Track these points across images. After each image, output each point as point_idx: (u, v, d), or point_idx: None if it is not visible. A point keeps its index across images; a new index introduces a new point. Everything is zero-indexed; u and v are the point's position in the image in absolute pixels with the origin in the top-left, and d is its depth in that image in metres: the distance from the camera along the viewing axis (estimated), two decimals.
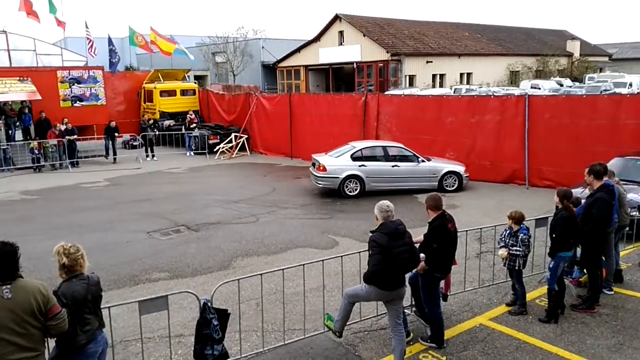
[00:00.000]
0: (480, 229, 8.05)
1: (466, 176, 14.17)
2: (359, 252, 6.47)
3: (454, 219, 6.00)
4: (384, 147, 14.19)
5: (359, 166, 13.58)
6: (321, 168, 13.68)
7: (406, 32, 40.64)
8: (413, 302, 6.60)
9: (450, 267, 6.12)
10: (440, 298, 6.30)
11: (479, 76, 41.64)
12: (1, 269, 3.81)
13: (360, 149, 13.96)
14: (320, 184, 13.86)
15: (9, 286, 3.77)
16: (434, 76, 39.28)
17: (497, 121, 14.68)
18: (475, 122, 15.10)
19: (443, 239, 5.76)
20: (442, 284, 6.36)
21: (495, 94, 20.97)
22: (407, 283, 6.10)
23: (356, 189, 13.59)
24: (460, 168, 14.18)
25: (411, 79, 37.44)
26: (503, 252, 6.74)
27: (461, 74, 41.40)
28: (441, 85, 38.69)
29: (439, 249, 5.74)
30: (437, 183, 13.84)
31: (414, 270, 6.02)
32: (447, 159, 15.36)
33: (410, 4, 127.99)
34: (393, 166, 13.72)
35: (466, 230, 7.52)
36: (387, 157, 13.90)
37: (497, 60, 43.99)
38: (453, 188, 13.95)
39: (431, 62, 38.42)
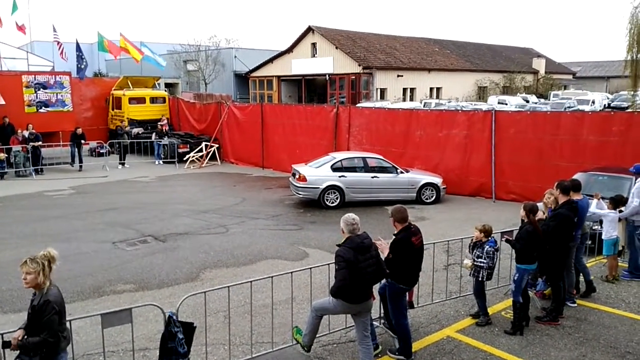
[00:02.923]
0: (448, 241, 8.16)
1: (444, 188, 14.36)
2: (328, 264, 6.45)
3: (421, 231, 6.07)
4: (364, 158, 14.34)
5: (339, 177, 13.66)
6: (301, 178, 13.69)
7: (378, 45, 41.22)
8: (382, 314, 6.62)
9: (416, 279, 6.16)
10: (407, 308, 6.34)
11: (448, 91, 42.51)
12: None
13: (341, 160, 14.07)
14: (300, 194, 13.88)
15: None
16: (404, 90, 39.89)
17: (465, 135, 14.98)
18: (444, 136, 15.37)
19: (405, 252, 5.79)
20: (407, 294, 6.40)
21: (463, 109, 21.42)
22: (376, 294, 6.14)
23: (336, 200, 13.65)
24: (437, 180, 14.37)
25: (382, 92, 37.93)
26: (467, 262, 6.89)
27: (431, 88, 42.19)
28: (412, 99, 39.32)
29: (400, 262, 5.76)
30: (415, 194, 14.01)
31: (383, 281, 6.06)
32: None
33: (381, 18, 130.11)
34: (372, 177, 13.83)
35: (434, 243, 7.61)
36: (366, 168, 14.02)
37: (465, 75, 45.03)
38: (431, 200, 14.14)
39: (402, 76, 39.03)
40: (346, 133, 17.48)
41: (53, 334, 4.11)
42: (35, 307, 4.10)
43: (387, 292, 6.04)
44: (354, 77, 37.16)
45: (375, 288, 5.96)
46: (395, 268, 5.77)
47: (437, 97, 41.01)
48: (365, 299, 5.39)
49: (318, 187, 13.54)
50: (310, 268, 6.59)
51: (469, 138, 14.89)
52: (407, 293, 6.31)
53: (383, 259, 5.66)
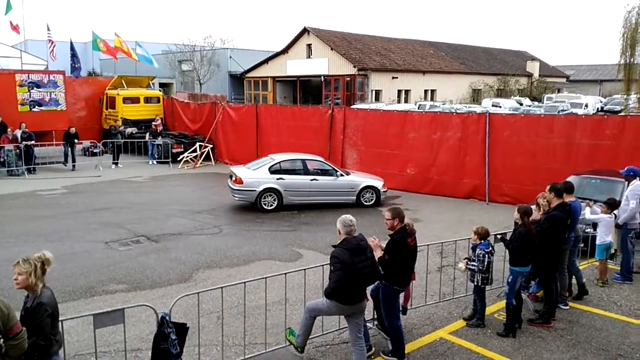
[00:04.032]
0: (442, 243, 8.17)
1: (384, 191, 14.15)
2: (322, 265, 6.45)
3: (416, 233, 6.07)
4: (304, 161, 13.98)
5: (277, 179, 13.31)
6: (237, 180, 13.26)
7: (373, 47, 41.30)
8: (375, 316, 6.63)
9: (409, 280, 6.18)
10: (400, 311, 6.34)
11: (442, 93, 42.65)
12: None
13: (279, 162, 13.71)
14: (236, 197, 13.47)
15: None
16: (399, 92, 39.98)
17: (459, 138, 15.01)
18: (438, 138, 15.40)
19: (401, 252, 5.79)
20: (401, 297, 6.41)
21: (457, 111, 21.50)
22: (369, 296, 6.14)
23: (273, 203, 13.30)
24: (378, 183, 14.15)
25: (377, 93, 37.99)
26: (462, 265, 6.92)
27: (425, 91, 42.30)
28: (406, 101, 39.41)
29: (395, 262, 5.76)
30: (355, 197, 13.80)
31: (376, 283, 6.06)
32: (408, 173, 15.63)
33: (376, 20, 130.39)
34: (312, 180, 13.51)
35: (428, 245, 7.62)
36: (306, 171, 13.68)
37: (460, 78, 45.20)
38: (370, 203, 13.90)
39: (397, 78, 39.12)
40: (341, 134, 17.49)
41: (45, 337, 4.04)
42: (28, 309, 4.04)
43: (380, 293, 6.04)
44: (349, 78, 37.20)
45: (368, 290, 5.97)
46: (389, 269, 5.77)
47: (432, 99, 41.12)
48: (359, 300, 5.39)
49: (255, 190, 13.16)
50: (305, 269, 6.58)
51: (463, 140, 14.94)
52: (401, 297, 6.32)
53: (377, 258, 5.67)
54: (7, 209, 13.54)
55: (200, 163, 20.99)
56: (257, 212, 13.31)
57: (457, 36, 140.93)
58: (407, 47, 44.91)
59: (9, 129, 18.71)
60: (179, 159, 20.80)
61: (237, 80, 45.05)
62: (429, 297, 7.56)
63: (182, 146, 21.46)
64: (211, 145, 21.57)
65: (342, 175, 13.89)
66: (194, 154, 21.17)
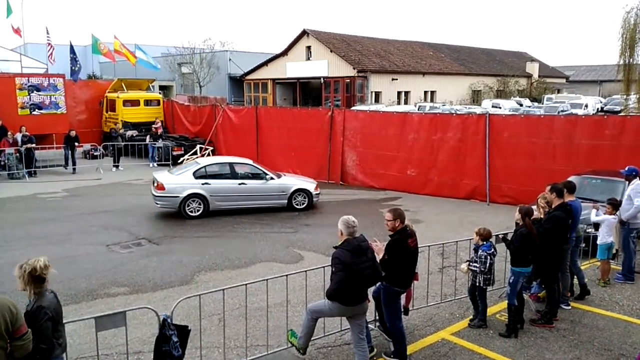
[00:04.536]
0: (443, 244, 8.17)
1: (317, 193, 13.88)
2: (324, 267, 6.45)
3: (416, 234, 6.08)
4: (231, 164, 13.65)
5: (202, 184, 12.83)
6: (159, 187, 12.64)
7: (372, 49, 41.33)
8: (377, 317, 6.62)
9: (410, 281, 6.18)
10: (402, 312, 6.34)
11: (442, 94, 42.68)
12: None
13: (204, 166, 13.27)
14: (158, 204, 12.84)
15: None
16: (399, 93, 40.00)
17: (459, 139, 15.02)
18: (438, 139, 15.41)
19: (401, 253, 5.79)
20: (403, 298, 6.41)
21: (457, 112, 21.52)
22: (370, 297, 6.14)
23: (199, 209, 12.81)
24: (310, 185, 13.91)
25: (377, 95, 38.01)
26: (464, 266, 6.92)
27: (425, 92, 42.33)
28: (406, 102, 39.45)
29: (395, 263, 5.76)
30: (286, 201, 13.55)
31: (377, 284, 6.06)
32: (409, 175, 15.63)
33: (376, 22, 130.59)
34: (240, 184, 13.19)
35: (429, 245, 7.62)
36: (233, 175, 13.34)
37: (460, 79, 45.23)
38: (303, 206, 13.66)
39: (396, 79, 39.15)
40: (341, 136, 17.51)
41: (46, 341, 4.03)
42: (28, 312, 4.04)
43: (381, 295, 6.04)
44: (348, 80, 37.23)
45: (370, 291, 5.96)
46: (390, 270, 5.77)
47: (432, 100, 41.15)
48: (361, 301, 5.39)
49: (178, 196, 12.62)
50: (306, 271, 6.58)
51: (463, 141, 14.95)
52: (403, 297, 6.32)
53: (378, 261, 5.66)
54: (8, 212, 13.55)
55: None
56: (260, 214, 13.30)
57: (457, 37, 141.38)
58: (406, 49, 44.95)
59: (9, 133, 18.74)
60: (179, 161, 20.77)
61: (237, 82, 45.09)
62: (431, 298, 7.55)
63: (183, 149, 21.47)
64: (211, 148, 21.59)
65: (272, 178, 13.54)
66: (195, 157, 21.16)
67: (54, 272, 4.25)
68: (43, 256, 4.29)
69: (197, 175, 13.02)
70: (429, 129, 15.61)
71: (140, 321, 6.84)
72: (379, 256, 5.70)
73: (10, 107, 20.29)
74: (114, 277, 8.72)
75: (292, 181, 14.05)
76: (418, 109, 30.87)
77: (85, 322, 5.92)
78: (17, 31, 29.56)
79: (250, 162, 14.14)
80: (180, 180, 12.93)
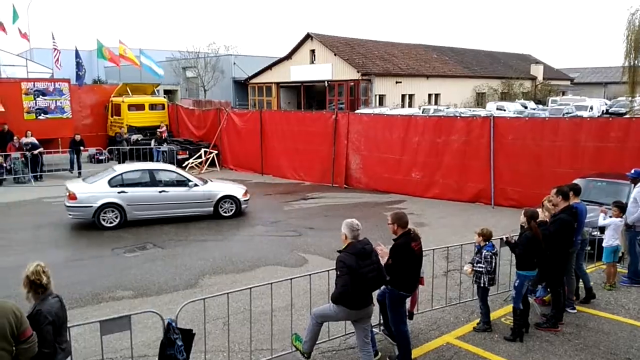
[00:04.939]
0: (447, 247, 8.15)
1: (245, 200, 13.46)
2: (328, 271, 6.45)
3: (421, 237, 6.06)
4: (151, 171, 13.01)
5: (118, 193, 12.17)
6: (71, 196, 11.94)
7: (376, 52, 41.36)
8: (381, 321, 6.61)
9: (415, 285, 6.17)
10: (407, 316, 6.33)
11: (446, 97, 42.63)
12: None
13: (121, 174, 12.62)
14: (70, 215, 12.14)
15: None
16: (403, 96, 39.99)
17: (463, 141, 14.98)
18: (442, 142, 15.38)
19: (405, 257, 5.78)
20: (408, 302, 6.40)
21: (461, 115, 21.49)
22: (375, 301, 6.13)
23: (116, 219, 12.16)
24: (238, 192, 13.45)
25: (381, 98, 38.02)
26: (467, 268, 6.90)
27: (429, 95, 42.30)
28: (410, 105, 39.42)
29: (400, 267, 5.75)
30: (212, 209, 13.06)
31: (382, 288, 6.06)
32: (413, 178, 15.60)
33: (380, 26, 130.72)
34: (160, 192, 12.56)
35: (433, 249, 7.61)
36: (153, 182, 12.74)
37: (464, 82, 45.18)
38: (230, 214, 13.22)
39: (400, 82, 39.15)
40: (345, 139, 17.51)
41: (47, 345, 4.04)
42: (29, 317, 4.07)
43: (386, 298, 6.03)
44: (352, 83, 37.26)
45: (374, 295, 5.96)
46: (394, 274, 5.76)
47: (436, 103, 41.12)
48: (366, 305, 5.39)
49: (91, 206, 11.92)
50: (310, 275, 6.58)
51: (468, 144, 14.91)
52: (408, 301, 6.31)
53: (383, 264, 5.66)
54: (15, 216, 13.63)
55: (206, 169, 21.06)
56: (263, 218, 13.32)
57: (461, 40, 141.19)
58: (410, 52, 44.96)
59: (15, 137, 18.87)
60: (184, 165, 20.86)
61: (241, 86, 45.21)
62: (436, 301, 7.53)
63: (187, 152, 21.55)
64: (216, 151, 21.66)
65: (196, 185, 13.00)
66: (199, 160, 21.25)
67: (50, 275, 4.26)
68: (38, 261, 4.31)
69: (113, 183, 12.34)
70: (433, 132, 15.59)
71: (145, 325, 6.86)
72: (383, 260, 5.70)
73: (16, 111, 20.43)
74: (119, 281, 8.75)
75: (219, 188, 13.47)
76: (422, 112, 30.84)
77: (90, 326, 5.95)
78: (24, 35, 29.87)
79: (172, 168, 13.56)
80: (93, 189, 12.22)
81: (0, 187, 17.60)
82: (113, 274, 9.11)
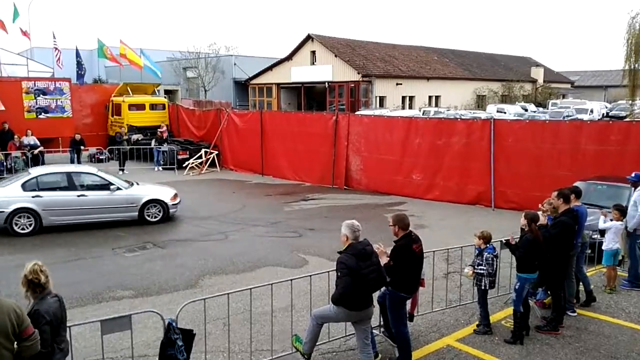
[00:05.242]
0: (448, 249, 8.16)
1: (173, 204, 12.87)
2: (328, 272, 6.45)
3: (421, 239, 6.07)
4: (69, 174, 12.30)
5: (33, 197, 11.49)
6: None
7: (377, 54, 41.41)
8: (382, 322, 6.61)
9: (416, 287, 6.17)
10: (407, 318, 6.33)
11: (447, 99, 42.68)
12: None
13: (36, 177, 11.92)
14: None
15: None
16: (403, 98, 40.03)
17: (464, 144, 14.99)
18: (443, 144, 15.38)
19: (406, 259, 5.78)
20: (408, 304, 6.40)
21: (462, 117, 21.51)
22: (375, 302, 6.13)
23: (30, 225, 11.49)
24: (166, 195, 12.84)
25: (382, 99, 38.07)
26: (468, 270, 6.89)
27: (430, 97, 42.35)
28: (411, 107, 39.46)
29: (400, 269, 5.75)
30: (137, 213, 12.43)
31: (382, 290, 6.06)
32: (414, 179, 15.62)
33: (380, 27, 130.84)
34: (79, 196, 11.89)
35: (434, 251, 7.60)
36: (72, 186, 12.05)
37: (464, 84, 45.24)
38: (157, 219, 12.60)
39: (401, 84, 39.19)
40: (345, 140, 17.52)
41: (45, 345, 4.05)
42: (27, 315, 4.07)
43: (387, 300, 6.03)
44: (353, 85, 37.30)
45: (375, 296, 5.96)
46: (395, 276, 5.76)
47: (436, 105, 41.17)
48: (366, 306, 5.39)
49: (3, 211, 11.25)
50: (310, 275, 6.59)
51: (468, 146, 14.92)
52: (408, 303, 6.30)
53: (382, 265, 5.66)
54: None
55: (206, 169, 21.06)
56: (263, 218, 13.31)
57: (461, 43, 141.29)
58: (411, 54, 45.01)
59: (15, 136, 18.88)
60: (184, 165, 20.88)
61: (242, 87, 45.24)
62: (436, 303, 7.53)
63: (188, 152, 21.55)
64: (216, 152, 21.66)
65: (119, 188, 12.38)
66: (200, 161, 21.25)
67: (49, 274, 4.26)
68: (35, 260, 4.31)
69: (27, 187, 11.65)
70: (434, 134, 15.60)
71: (145, 325, 6.85)
72: (381, 259, 5.70)
73: (17, 110, 20.47)
74: (119, 281, 8.75)
75: (144, 191, 12.81)
76: (423, 114, 30.86)
77: (90, 325, 5.95)
78: (25, 33, 29.88)
79: (94, 171, 12.78)
80: (5, 193, 11.54)
81: None
82: (113, 274, 9.11)
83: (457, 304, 7.65)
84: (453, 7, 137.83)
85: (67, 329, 4.48)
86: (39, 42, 41.40)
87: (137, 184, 13.37)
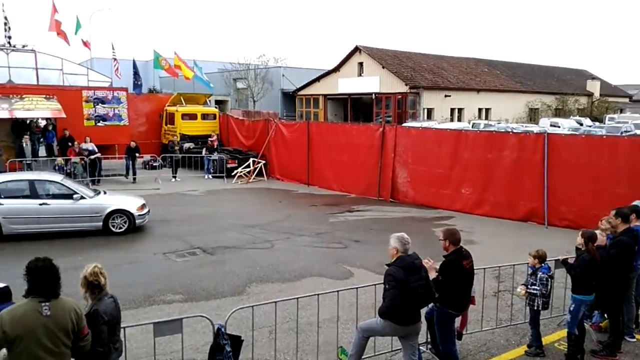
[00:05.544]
0: (499, 267, 7.93)
1: (140, 214, 12.57)
2: (375, 285, 6.40)
3: (472, 255, 5.94)
4: (32, 182, 12.13)
5: None
6: None
7: (425, 65, 41.07)
8: (429, 339, 6.49)
9: (466, 304, 6.03)
10: (455, 336, 6.19)
11: (497, 112, 41.72)
12: (48, 286, 3.83)
13: None
14: None
15: (48, 304, 3.80)
16: (452, 110, 39.45)
17: (515, 158, 14.57)
18: (493, 158, 15.02)
19: (456, 274, 5.67)
20: (457, 321, 6.26)
21: (514, 131, 20.95)
22: (423, 318, 6.03)
23: None
24: (132, 205, 12.60)
25: (429, 111, 37.65)
26: (521, 290, 6.66)
27: (480, 109, 41.53)
28: (459, 120, 38.83)
29: (450, 285, 5.65)
30: (101, 223, 12.19)
31: (430, 305, 5.96)
32: (463, 194, 15.34)
33: (429, 39, 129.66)
34: (41, 204, 11.71)
35: (484, 268, 7.42)
36: (34, 194, 11.87)
37: (516, 96, 44.11)
38: (122, 229, 12.35)
39: (449, 96, 38.65)
40: (392, 152, 17.40)
41: (102, 344, 4.21)
42: (86, 315, 4.24)
43: (435, 317, 5.93)
44: (400, 96, 37.10)
45: (422, 312, 5.87)
46: (444, 292, 5.66)
47: (486, 118, 40.29)
48: (414, 321, 5.32)
49: None
50: (357, 288, 6.56)
51: (520, 161, 14.49)
52: (457, 321, 6.17)
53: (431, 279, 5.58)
54: None
55: (253, 178, 21.42)
56: (309, 229, 13.36)
57: (513, 54, 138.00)
58: (460, 65, 44.37)
59: (75, 142, 19.85)
60: (233, 174, 21.31)
61: (289, 97, 45.87)
62: (485, 322, 7.33)
63: (236, 161, 22.00)
64: (264, 161, 22.00)
65: (83, 197, 12.17)
66: (247, 170, 21.64)
67: (106, 276, 4.43)
68: (95, 262, 4.51)
69: None
70: (484, 147, 15.26)
71: (193, 329, 7.00)
72: (430, 274, 5.62)
73: (77, 118, 21.51)
74: (170, 285, 9.00)
75: (109, 201, 12.60)
76: (472, 127, 30.26)
77: (142, 327, 6.14)
78: (86, 44, 31.52)
79: (58, 179, 12.64)
80: None
81: None
82: (164, 278, 9.38)
83: (507, 324, 7.42)
84: (507, 18, 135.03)
85: (122, 329, 4.65)
86: (99, 53, 43.49)
87: (105, 193, 13.25)
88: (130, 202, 12.85)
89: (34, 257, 4.02)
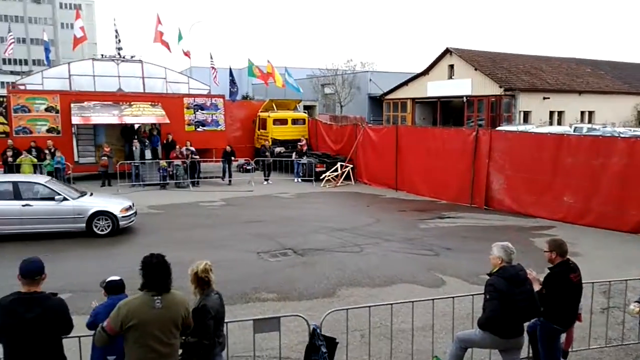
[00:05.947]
0: (610, 282, 7.36)
1: (124, 216, 12.48)
2: (472, 295, 6.20)
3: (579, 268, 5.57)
4: (15, 183, 12.19)
5: None
6: None
7: (521, 66, 39.11)
8: (531, 354, 6.16)
9: (572, 320, 5.66)
10: (561, 353, 5.82)
11: (602, 115, 38.70)
12: (160, 280, 4.10)
13: None
14: None
15: (160, 297, 4.06)
16: (551, 113, 37.17)
17: (624, 165, 13.42)
18: (599, 165, 13.94)
19: (562, 288, 5.34)
20: (562, 337, 5.89)
21: (621, 135, 19.33)
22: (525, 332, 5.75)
23: None
24: (115, 207, 12.50)
25: (526, 115, 35.78)
26: (634, 307, 6.08)
27: (582, 112, 38.77)
28: (559, 123, 36.51)
29: (555, 299, 5.32)
30: (84, 225, 12.20)
31: (533, 320, 5.66)
32: (565, 202, 14.39)
33: (525, 40, 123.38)
34: (24, 206, 11.82)
35: (592, 282, 6.91)
36: (17, 195, 11.93)
37: (622, 98, 40.66)
38: (106, 232, 12.33)
39: (548, 98, 36.47)
40: (486, 158, 16.74)
41: (208, 337, 4.43)
42: (194, 310, 4.47)
43: (538, 331, 5.62)
44: (493, 99, 35.63)
45: (525, 325, 5.58)
46: (549, 305, 5.36)
47: (589, 121, 37.53)
48: (516, 335, 5.08)
49: None
50: (453, 297, 6.40)
51: (630, 168, 13.32)
52: (563, 337, 5.81)
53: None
54: (174, 217, 15.24)
55: (341, 182, 21.61)
56: (398, 234, 13.23)
57: (620, 54, 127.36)
58: (560, 66, 41.74)
59: (177, 146, 21.22)
60: (321, 177, 21.65)
61: (376, 102, 45.75)
62: (593, 340, 6.82)
63: (325, 165, 22.34)
64: (351, 165, 22.12)
65: (66, 199, 12.19)
66: (335, 174, 21.87)
67: (213, 273, 4.66)
68: (206, 260, 4.75)
69: None
70: (589, 153, 14.21)
71: (288, 328, 7.17)
72: (534, 286, 5.34)
73: (179, 123, 22.98)
74: (264, 284, 9.31)
75: (92, 202, 12.61)
76: (574, 131, 28.33)
77: (239, 323, 6.41)
78: (187, 54, 33.63)
79: (41, 181, 12.69)
80: None
81: (164, 191, 19.86)
82: (258, 276, 9.72)
83: (618, 343, 6.85)
84: (609, 16, 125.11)
85: (226, 324, 4.88)
86: (198, 62, 46.20)
87: (89, 195, 13.26)
88: (114, 204, 12.89)
89: (149, 253, 4.31)
